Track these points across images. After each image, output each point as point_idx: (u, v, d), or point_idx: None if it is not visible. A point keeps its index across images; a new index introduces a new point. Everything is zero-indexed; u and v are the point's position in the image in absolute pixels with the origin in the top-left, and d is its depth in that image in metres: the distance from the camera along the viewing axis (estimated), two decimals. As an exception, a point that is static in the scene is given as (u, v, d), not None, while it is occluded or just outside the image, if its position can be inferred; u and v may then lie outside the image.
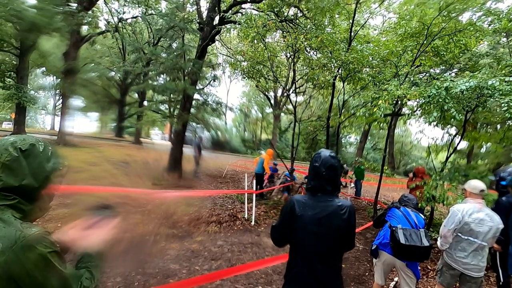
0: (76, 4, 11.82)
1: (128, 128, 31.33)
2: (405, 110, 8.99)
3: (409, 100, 5.77)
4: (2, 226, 0.79)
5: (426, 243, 2.42)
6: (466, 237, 2.52)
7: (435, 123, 6.03)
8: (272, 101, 27.06)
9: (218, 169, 13.91)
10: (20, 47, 14.11)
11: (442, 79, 4.57)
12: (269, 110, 35.68)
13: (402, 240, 2.40)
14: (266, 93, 25.44)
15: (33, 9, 11.16)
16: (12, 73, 15.31)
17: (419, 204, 4.34)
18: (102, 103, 25.27)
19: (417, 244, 2.39)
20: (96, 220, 1.10)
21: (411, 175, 6.48)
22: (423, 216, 2.82)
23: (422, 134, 9.36)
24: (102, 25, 18.79)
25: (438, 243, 2.75)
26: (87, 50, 19.37)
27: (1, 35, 13.19)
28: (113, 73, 23.86)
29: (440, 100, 4.12)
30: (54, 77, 18.00)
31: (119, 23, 17.26)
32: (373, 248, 2.86)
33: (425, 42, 6.08)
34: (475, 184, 2.67)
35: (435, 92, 4.14)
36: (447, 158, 5.62)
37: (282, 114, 30.14)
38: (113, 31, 16.82)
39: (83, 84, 15.66)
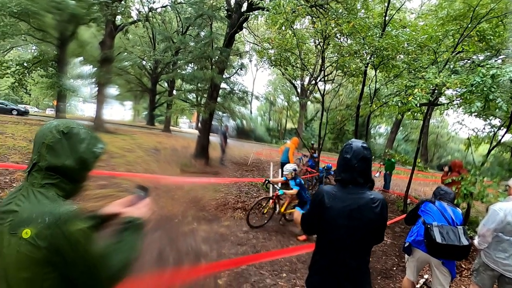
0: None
1: (158, 116, 32.54)
2: (442, 99, 8.43)
3: (448, 88, 5.39)
4: (48, 202, 0.87)
5: (465, 241, 2.26)
6: (508, 238, 2.35)
7: (476, 113, 5.61)
8: (299, 90, 26.54)
9: (243, 157, 14.07)
10: (60, 37, 15.01)
11: (487, 66, 4.18)
12: (295, 98, 35.09)
13: (438, 239, 2.24)
14: (293, 81, 25.01)
15: (72, 1, 11.76)
16: (53, 62, 16.40)
17: (455, 201, 4.10)
18: (135, 92, 26.33)
19: (454, 243, 2.23)
20: (135, 198, 1.22)
21: (446, 169, 6.09)
22: (460, 211, 2.61)
23: (461, 125, 8.72)
24: (133, 14, 19.37)
25: (476, 242, 2.59)
26: (120, 40, 20.06)
27: (44, 26, 14.11)
28: (144, 62, 24.67)
29: (485, 89, 3.80)
30: (91, 66, 19.01)
31: (149, 13, 17.65)
32: (406, 245, 2.73)
33: (469, 25, 5.58)
34: (521, 181, 2.47)
35: (479, 81, 3.82)
36: (489, 151, 5.22)
37: (309, 103, 29.52)
38: (144, 20, 17.26)
39: (117, 73, 16.39)
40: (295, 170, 5.08)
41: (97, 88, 13.72)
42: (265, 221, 5.22)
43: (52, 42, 15.47)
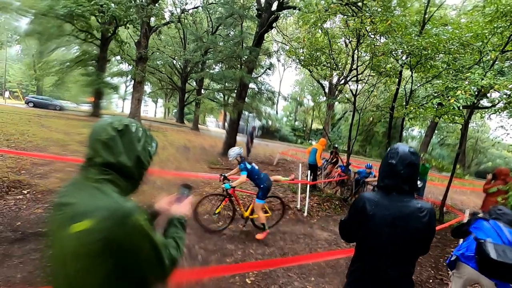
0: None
1: (187, 114, 33.53)
2: (483, 102, 7.84)
3: (495, 91, 5.00)
4: (103, 197, 0.89)
5: None
6: None
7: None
8: (327, 90, 26.00)
9: (268, 156, 14.05)
10: (101, 38, 15.96)
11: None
12: (322, 99, 34.43)
13: (493, 255, 2.02)
14: (321, 81, 24.53)
15: (112, 4, 12.45)
16: (93, 61, 17.49)
17: None
18: (166, 90, 27.29)
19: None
20: (179, 196, 1.28)
21: (489, 176, 5.61)
22: None
23: (505, 130, 8.05)
24: (166, 16, 20.09)
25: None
26: (153, 40, 20.93)
27: (87, 28, 15.09)
28: (174, 61, 25.50)
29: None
30: (127, 64, 20.00)
31: (182, 14, 18.22)
32: (452, 258, 2.53)
33: (522, 22, 5.11)
34: None
35: (534, 83, 3.49)
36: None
37: (337, 103, 28.81)
38: (176, 21, 17.86)
39: (151, 71, 17.12)
40: (239, 154, 4.36)
41: (132, 86, 14.42)
42: (221, 225, 4.64)
43: (94, 42, 16.48)
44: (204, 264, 3.42)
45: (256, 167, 4.50)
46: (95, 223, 0.82)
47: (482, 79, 4.42)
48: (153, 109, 53.29)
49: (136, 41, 14.51)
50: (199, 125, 25.02)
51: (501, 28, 5.78)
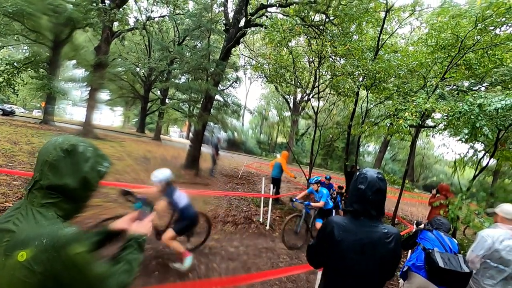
0: (109, 2, 12.32)
1: (149, 124, 32.24)
2: (429, 122, 8.72)
3: (436, 113, 5.61)
4: (46, 224, 0.83)
5: (466, 269, 2.26)
6: (495, 265, 2.41)
7: (463, 139, 5.82)
8: (291, 105, 26.96)
9: (234, 169, 14.01)
10: (54, 40, 14.87)
11: (475, 95, 4.39)
12: (287, 113, 35.57)
13: (441, 263, 2.25)
14: (286, 96, 25.40)
15: (70, 5, 11.76)
16: (45, 64, 16.16)
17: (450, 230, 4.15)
18: (126, 98, 26.07)
19: (457, 269, 2.23)
20: (140, 214, 1.23)
21: (434, 191, 6.21)
22: (456, 241, 2.65)
23: (446, 147, 9.01)
24: (131, 22, 19.48)
25: (464, 267, 2.64)
26: (116, 46, 20.07)
27: (38, 28, 13.98)
28: (138, 69, 24.63)
29: (472, 117, 3.97)
30: (84, 70, 18.85)
31: (147, 21, 17.81)
32: (404, 269, 2.71)
33: (457, 55, 5.87)
34: (508, 209, 2.54)
35: (467, 109, 3.99)
36: (475, 176, 5.39)
37: (300, 118, 29.96)
38: (141, 28, 17.39)
39: (110, 78, 16.29)
40: (166, 180, 3.56)
41: (88, 92, 13.53)
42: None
43: (46, 43, 15.30)
44: (161, 282, 3.24)
45: (184, 200, 3.69)
46: (35, 254, 0.77)
47: (426, 102, 4.93)
48: (110, 117, 50.48)
49: (95, 45, 13.76)
50: (161, 135, 24.16)
51: (441, 58, 6.58)
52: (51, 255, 0.78)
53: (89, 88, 13.42)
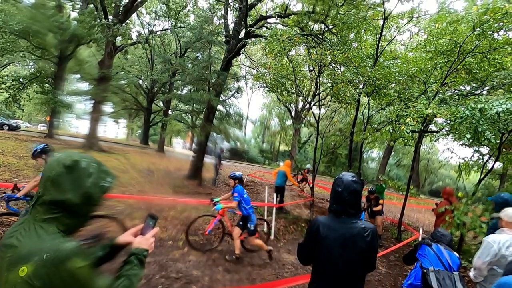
0: (112, 17, 12.64)
1: (152, 135, 32.45)
2: (431, 126, 8.71)
3: (438, 118, 5.60)
4: (48, 238, 0.85)
5: None
6: (502, 271, 2.36)
7: (466, 143, 5.78)
8: (293, 113, 27.03)
9: (237, 179, 13.96)
10: (59, 55, 15.21)
11: (475, 99, 4.39)
12: (289, 122, 35.63)
13: (435, 284, 2.24)
14: (288, 105, 25.49)
15: (74, 22, 12.06)
16: (50, 79, 16.48)
17: (449, 231, 4.08)
18: (130, 110, 26.35)
19: None
20: (144, 227, 1.22)
21: (438, 202, 5.98)
22: (457, 255, 2.60)
23: (450, 152, 8.95)
24: (134, 36, 19.87)
25: (471, 275, 2.58)
26: (119, 59, 20.42)
27: (44, 45, 14.33)
28: (141, 81, 24.96)
29: (474, 121, 3.96)
30: (87, 83, 19.16)
31: (150, 35, 18.16)
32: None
33: (456, 60, 5.90)
34: (513, 213, 2.51)
35: (468, 113, 3.99)
36: (480, 180, 5.33)
37: (302, 126, 29.98)
38: (144, 42, 17.72)
39: (114, 91, 16.53)
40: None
41: (92, 105, 13.72)
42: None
43: (51, 59, 15.64)
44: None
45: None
46: (35, 268, 0.79)
47: (427, 108, 4.94)
48: (114, 129, 50.88)
49: (99, 60, 14.03)
50: (165, 147, 24.26)
51: (440, 64, 6.62)
52: (51, 270, 0.79)
53: (93, 101, 13.62)
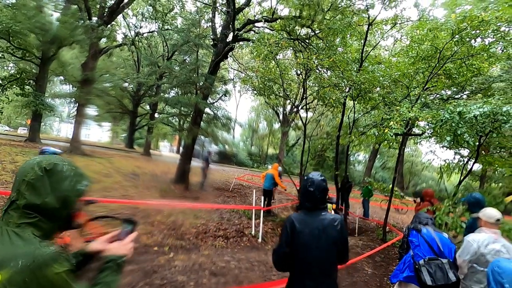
0: (96, 18, 12.39)
1: (138, 139, 31.83)
2: (415, 129, 8.98)
3: (420, 121, 5.77)
4: (22, 244, 0.81)
5: (452, 278, 2.27)
6: (482, 269, 2.44)
7: (447, 145, 5.98)
8: (281, 117, 27.21)
9: (225, 182, 13.90)
10: (41, 57, 14.74)
11: (455, 103, 4.56)
12: (277, 125, 35.83)
13: (428, 281, 2.28)
14: (275, 108, 25.67)
15: (57, 22, 11.74)
16: (31, 81, 15.92)
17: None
18: (115, 114, 25.82)
19: (444, 283, 2.26)
20: (121, 233, 1.17)
21: (418, 200, 6.16)
22: (446, 235, 2.61)
23: (433, 154, 9.23)
24: (119, 38, 19.53)
25: (453, 272, 2.66)
26: (104, 61, 19.99)
27: (25, 45, 13.85)
28: (126, 84, 24.50)
29: (454, 124, 4.11)
30: (71, 85, 18.64)
31: (136, 37, 17.91)
32: (396, 282, 2.71)
33: (437, 65, 6.12)
34: (491, 213, 2.60)
35: (448, 117, 4.13)
36: (460, 181, 5.51)
37: (290, 130, 30.21)
38: (130, 44, 17.45)
39: (98, 94, 16.14)
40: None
41: (75, 108, 13.36)
42: None
43: (33, 61, 15.15)
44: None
45: None
46: (11, 275, 0.75)
47: (410, 111, 5.08)
48: (97, 133, 49.63)
49: (82, 62, 13.70)
50: (151, 150, 23.85)
51: (422, 69, 6.83)
52: (28, 276, 0.76)
53: (77, 104, 13.26)
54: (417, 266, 2.42)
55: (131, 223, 1.21)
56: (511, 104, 3.88)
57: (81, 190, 1.00)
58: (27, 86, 15.88)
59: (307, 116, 9.60)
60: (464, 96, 8.66)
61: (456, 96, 8.60)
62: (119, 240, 1.15)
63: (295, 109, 21.96)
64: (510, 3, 5.79)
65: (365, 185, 9.22)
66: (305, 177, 1.96)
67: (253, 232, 6.15)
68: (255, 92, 10.22)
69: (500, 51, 6.29)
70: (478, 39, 5.98)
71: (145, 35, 19.22)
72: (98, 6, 12.54)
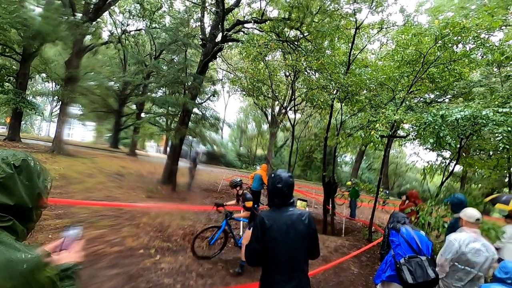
0: (81, 15, 12.06)
1: (123, 139, 31.17)
2: (400, 132, 9.21)
3: (405, 124, 5.92)
4: (4, 249, 0.74)
5: (431, 274, 2.35)
6: (462, 267, 2.53)
7: (430, 147, 6.16)
8: (270, 118, 27.29)
9: (213, 183, 13.80)
10: (22, 53, 14.21)
11: (437, 107, 4.71)
12: (265, 126, 35.94)
13: (410, 279, 2.35)
14: (264, 109, 25.73)
15: (39, 18, 11.35)
16: (11, 78, 15.31)
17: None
18: (99, 113, 25.22)
19: (424, 280, 2.33)
20: (66, 241, 1.09)
21: (404, 198, 6.43)
22: (423, 233, 2.71)
23: (417, 156, 9.47)
24: (105, 35, 19.08)
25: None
26: (88, 59, 19.48)
27: (4, 41, 13.32)
28: (112, 83, 23.95)
29: (436, 127, 4.23)
30: (54, 83, 18.04)
31: (123, 35, 17.55)
32: (379, 282, 2.78)
33: (421, 69, 6.29)
34: (471, 213, 2.70)
35: (431, 120, 4.26)
36: (442, 182, 5.68)
37: (279, 131, 30.36)
38: (116, 42, 17.07)
39: (82, 92, 15.70)
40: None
41: (58, 107, 12.95)
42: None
43: (13, 57, 14.59)
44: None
45: None
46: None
47: (395, 114, 5.20)
48: (80, 132, 48.31)
49: (66, 59, 13.30)
50: (137, 151, 23.41)
51: (407, 73, 7.02)
52: (18, 282, 0.71)
53: (60, 103, 12.86)
54: (398, 265, 2.48)
55: (75, 229, 1.15)
56: (490, 108, 4.03)
57: (48, 187, 0.93)
58: (7, 83, 15.26)
59: (295, 118, 9.68)
60: (447, 100, 8.95)
61: (439, 100, 8.89)
62: (64, 249, 1.07)
63: (283, 110, 22.07)
64: (489, 11, 6.04)
65: (352, 185, 9.36)
66: (272, 175, 2.00)
67: (240, 233, 6.12)
68: (244, 93, 10.21)
69: (480, 57, 6.53)
70: (460, 45, 6.19)
71: (132, 33, 18.86)
72: (83, 2, 12.21)
